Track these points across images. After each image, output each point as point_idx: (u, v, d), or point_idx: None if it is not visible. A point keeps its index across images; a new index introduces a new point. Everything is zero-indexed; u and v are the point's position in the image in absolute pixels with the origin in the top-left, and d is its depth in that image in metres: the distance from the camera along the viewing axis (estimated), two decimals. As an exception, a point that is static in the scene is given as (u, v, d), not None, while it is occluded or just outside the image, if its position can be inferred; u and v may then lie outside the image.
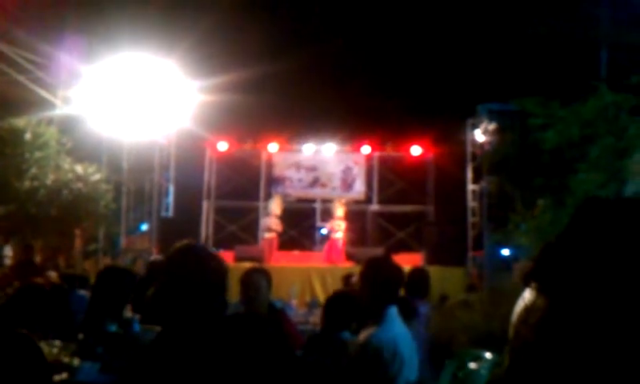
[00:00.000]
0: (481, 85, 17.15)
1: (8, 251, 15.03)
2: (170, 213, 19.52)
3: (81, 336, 3.60)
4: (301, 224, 20.22)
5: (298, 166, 20.38)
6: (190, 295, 2.41)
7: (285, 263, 16.34)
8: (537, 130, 12.20)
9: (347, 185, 20.36)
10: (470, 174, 18.64)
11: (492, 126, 17.18)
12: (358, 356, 3.27)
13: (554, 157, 12.06)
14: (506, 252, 16.50)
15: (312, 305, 10.41)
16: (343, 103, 18.49)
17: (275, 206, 17.57)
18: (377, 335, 3.20)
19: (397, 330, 3.26)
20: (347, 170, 20.39)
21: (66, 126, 15.75)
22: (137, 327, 3.49)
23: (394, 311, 3.29)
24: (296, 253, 18.45)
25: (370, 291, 3.32)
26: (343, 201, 18.21)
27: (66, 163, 15.37)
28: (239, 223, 20.34)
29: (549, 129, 11.89)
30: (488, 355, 5.29)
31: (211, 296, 2.44)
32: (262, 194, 19.92)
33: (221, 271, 2.51)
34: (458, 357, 5.29)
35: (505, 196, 15.19)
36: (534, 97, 12.19)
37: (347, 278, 8.44)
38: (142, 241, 18.90)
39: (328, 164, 20.38)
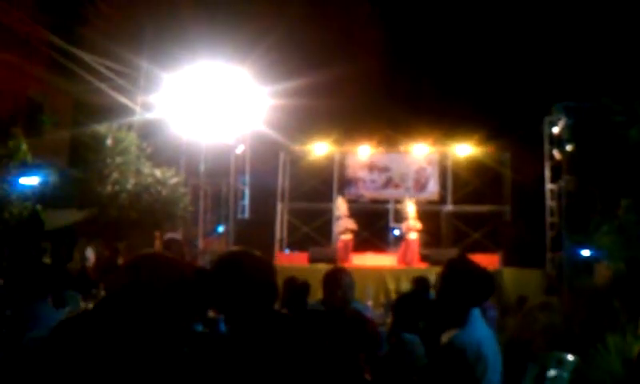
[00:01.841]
0: (558, 82, 16.76)
1: (90, 253, 15.53)
2: (246, 215, 19.82)
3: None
4: (374, 225, 20.17)
5: (370, 167, 20.33)
6: (240, 298, 2.48)
7: (359, 264, 16.32)
8: (619, 128, 11.81)
9: (421, 185, 20.17)
10: (547, 173, 18.17)
11: (570, 124, 16.73)
12: (442, 358, 3.25)
13: (637, 155, 11.66)
14: (586, 253, 16.03)
15: (388, 306, 10.37)
16: (416, 104, 18.40)
17: (343, 207, 17.55)
18: (460, 337, 3.17)
19: (480, 332, 3.22)
20: (420, 170, 20.20)
21: (146, 132, 16.23)
22: (222, 327, 3.58)
23: (476, 313, 3.25)
24: (369, 254, 18.40)
25: (453, 293, 3.29)
26: (415, 200, 18.03)
27: (146, 168, 15.82)
28: (313, 225, 20.46)
29: (632, 126, 11.49)
30: (569, 358, 5.17)
31: (262, 297, 2.51)
32: (334, 195, 19.96)
33: (267, 273, 2.57)
34: (539, 360, 5.20)
35: (585, 195, 14.78)
36: (615, 94, 11.82)
37: (417, 280, 8.34)
38: (219, 242, 19.27)
39: (401, 164, 20.24)
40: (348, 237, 17.02)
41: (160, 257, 2.39)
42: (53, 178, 14.17)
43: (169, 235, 5.56)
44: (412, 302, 5.03)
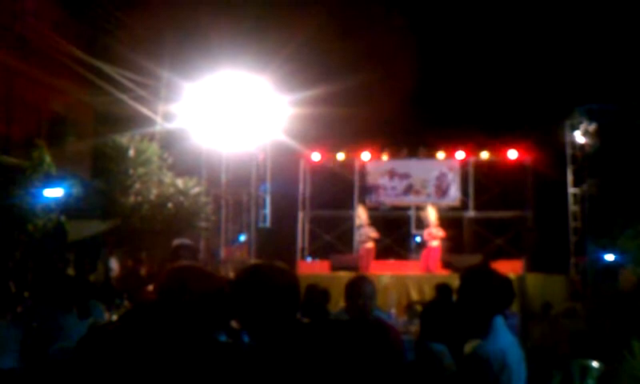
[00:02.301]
0: (578, 85, 16.63)
1: (113, 264, 15.64)
2: (267, 223, 19.88)
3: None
4: (395, 232, 20.13)
5: (391, 174, 20.31)
6: (264, 310, 2.49)
7: (380, 271, 16.27)
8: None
9: (442, 191, 20.09)
10: (570, 177, 18.02)
11: (593, 127, 16.58)
12: (466, 368, 3.23)
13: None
14: (610, 257, 15.85)
15: (411, 314, 10.31)
16: (437, 110, 18.36)
17: (363, 216, 17.50)
18: (484, 346, 3.15)
19: (505, 340, 3.19)
20: (441, 177, 20.12)
21: (167, 142, 16.34)
22: (246, 337, 3.58)
23: (500, 321, 3.23)
24: (391, 261, 18.36)
25: (473, 302, 3.26)
26: (436, 206, 17.94)
27: (168, 178, 15.92)
28: (334, 232, 20.47)
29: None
30: (594, 364, 5.13)
31: (286, 308, 2.52)
32: (355, 203, 19.95)
33: (292, 285, 2.58)
34: (563, 366, 5.16)
35: (608, 199, 14.64)
36: (638, 96, 11.71)
37: (439, 287, 8.27)
38: (240, 251, 19.33)
39: (421, 171, 20.19)
40: (370, 245, 16.98)
41: (199, 268, 2.44)
42: (76, 189, 14.30)
43: (178, 241, 5.31)
44: (438, 311, 5.02)
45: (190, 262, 2.60)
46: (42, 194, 13.69)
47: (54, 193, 13.82)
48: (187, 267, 2.44)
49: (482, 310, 3.22)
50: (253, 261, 16.53)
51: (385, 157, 20.19)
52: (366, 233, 17.07)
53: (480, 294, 3.25)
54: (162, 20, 16.18)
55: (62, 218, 13.86)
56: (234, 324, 4.14)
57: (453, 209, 19.80)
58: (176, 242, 5.38)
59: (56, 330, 4.90)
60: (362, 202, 19.29)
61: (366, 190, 20.24)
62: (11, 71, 14.86)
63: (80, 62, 15.17)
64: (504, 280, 3.32)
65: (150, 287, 9.58)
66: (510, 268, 14.19)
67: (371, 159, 20.30)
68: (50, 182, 13.77)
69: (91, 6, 16.21)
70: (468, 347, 3.29)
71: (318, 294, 6.90)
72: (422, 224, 18.02)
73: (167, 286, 2.38)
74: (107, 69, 15.17)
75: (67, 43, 15.29)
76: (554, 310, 10.47)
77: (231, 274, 15.99)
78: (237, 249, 19.44)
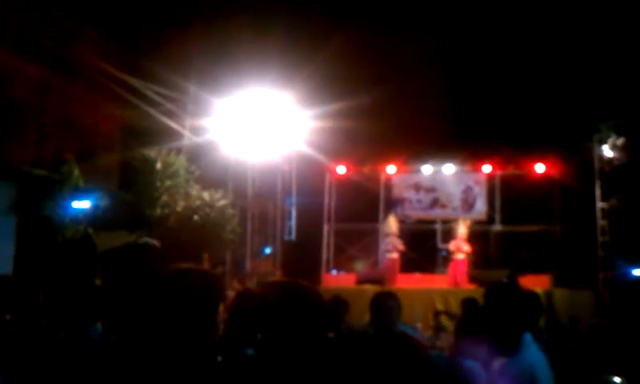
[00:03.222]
0: (606, 98, 16.48)
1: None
2: (293, 236, 19.92)
3: (219, 359, 3.76)
4: (421, 246, 20.00)
5: (417, 187, 20.25)
6: (289, 327, 2.51)
7: (406, 285, 16.20)
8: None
9: (468, 205, 19.97)
10: (598, 191, 17.84)
11: (621, 141, 16.41)
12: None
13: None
14: (638, 272, 15.64)
15: (437, 328, 10.24)
16: (462, 122, 18.29)
17: (393, 226, 17.46)
18: (514, 363, 3.13)
19: (534, 356, 3.18)
20: (468, 190, 20.01)
21: (194, 155, 16.48)
22: (249, 351, 3.59)
23: (529, 338, 3.21)
24: (417, 275, 18.26)
25: (502, 318, 3.25)
26: (468, 222, 17.83)
27: (194, 190, 16.05)
28: (359, 245, 20.43)
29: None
30: (617, 380, 5.07)
31: (312, 325, 2.53)
32: (381, 216, 19.90)
33: (315, 302, 2.59)
34: (591, 382, 5.10)
35: (636, 213, 14.45)
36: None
37: (466, 302, 8.19)
38: (266, 264, 19.39)
39: (447, 184, 20.10)
40: (395, 256, 16.93)
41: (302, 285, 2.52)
42: (104, 201, 14.50)
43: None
44: (470, 327, 5.00)
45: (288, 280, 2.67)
46: (70, 207, 13.90)
47: (82, 205, 14.02)
48: (288, 283, 2.54)
49: (510, 326, 3.21)
50: (276, 277, 16.58)
51: (410, 170, 20.14)
52: (391, 242, 17.03)
53: (506, 310, 3.24)
54: (190, 35, 16.37)
55: (90, 230, 14.05)
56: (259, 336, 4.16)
57: (479, 223, 19.66)
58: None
59: (84, 341, 4.96)
60: (390, 213, 19.21)
61: (392, 203, 20.17)
62: (42, 85, 15.12)
63: (110, 77, 15.39)
64: (530, 295, 3.30)
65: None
66: (537, 283, 14.03)
67: (397, 172, 20.26)
68: (78, 194, 13.98)
69: (122, 21, 16.46)
70: (497, 364, 3.27)
71: (337, 304, 6.96)
72: (448, 238, 17.93)
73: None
74: (136, 83, 15.37)
75: (98, 58, 15.53)
76: (581, 325, 10.35)
77: (255, 287, 16.03)
78: (262, 261, 19.50)
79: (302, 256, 19.08)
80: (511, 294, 3.30)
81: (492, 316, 3.31)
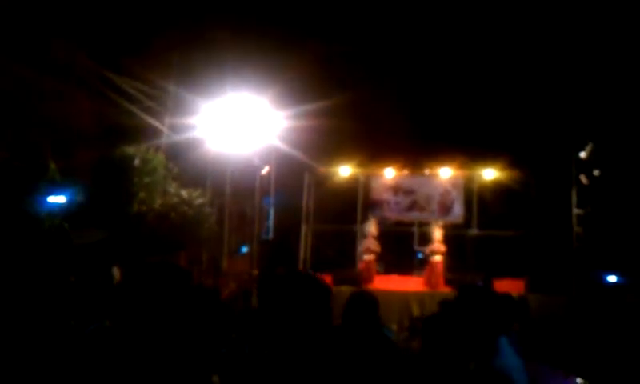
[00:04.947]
0: (585, 107, 16.69)
1: (116, 272, 15.65)
2: (271, 236, 19.89)
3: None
4: (398, 248, 20.09)
5: (395, 190, 20.31)
6: (294, 318, 2.50)
7: (382, 287, 16.26)
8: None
9: (446, 208, 20.08)
10: (574, 198, 18.04)
11: (598, 148, 16.61)
12: (484, 380, 3.22)
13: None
14: (612, 279, 15.84)
15: (413, 331, 10.31)
16: (442, 127, 18.40)
17: (372, 228, 17.54)
18: (491, 365, 3.15)
19: (510, 360, 3.20)
20: (445, 194, 20.12)
21: (173, 153, 16.40)
22: (247, 349, 3.61)
23: (505, 342, 3.23)
24: (394, 277, 18.33)
25: (475, 320, 3.26)
26: (441, 223, 17.96)
27: (172, 188, 15.97)
28: (336, 247, 20.45)
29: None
30: (579, 381, 5.16)
31: (315, 318, 2.52)
32: (359, 217, 19.95)
33: (322, 295, 2.59)
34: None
35: (611, 221, 14.63)
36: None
37: (443, 303, 8.24)
38: (243, 262, 19.35)
39: (426, 187, 20.20)
40: (370, 257, 17.01)
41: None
42: (80, 196, 14.37)
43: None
44: (440, 326, 5.05)
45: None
46: (46, 201, 13.76)
47: (58, 200, 13.89)
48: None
49: (484, 329, 3.23)
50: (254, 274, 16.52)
51: (390, 172, 20.21)
52: (367, 244, 17.12)
53: (479, 313, 3.26)
54: (172, 33, 16.30)
55: (66, 225, 13.92)
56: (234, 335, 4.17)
57: (456, 226, 19.79)
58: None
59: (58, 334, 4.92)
60: (367, 217, 19.27)
61: (370, 205, 20.24)
62: (20, 80, 14.97)
63: (90, 72, 15.27)
64: (503, 298, 3.33)
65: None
66: (512, 287, 14.16)
67: (375, 174, 20.32)
68: (54, 188, 13.84)
69: (103, 18, 16.35)
70: (473, 365, 3.29)
71: None
72: (425, 240, 18.03)
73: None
74: (116, 80, 15.27)
75: (78, 54, 15.40)
76: (554, 330, 10.45)
77: (232, 285, 16.02)
78: (239, 260, 19.45)
79: (279, 256, 19.07)
80: (484, 297, 3.32)
81: (466, 317, 3.33)
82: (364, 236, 17.79)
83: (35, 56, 15.16)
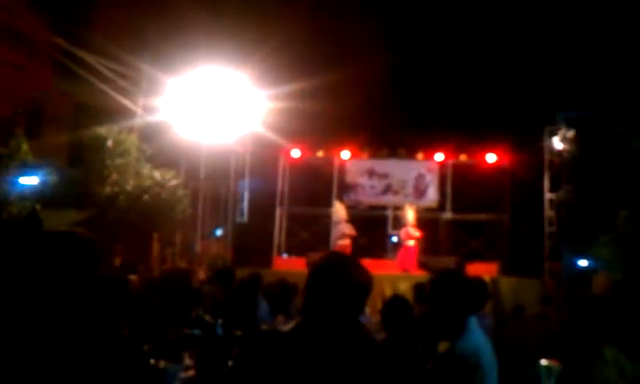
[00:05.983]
0: (558, 92, 16.81)
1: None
2: (245, 218, 19.81)
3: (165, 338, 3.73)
4: (372, 231, 20.14)
5: (370, 174, 20.33)
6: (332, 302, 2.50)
7: (357, 270, 16.22)
8: (620, 139, 11.85)
9: (420, 192, 20.16)
10: (547, 183, 18.21)
11: (571, 134, 16.76)
12: (441, 367, 3.24)
13: (637, 166, 11.69)
14: (583, 263, 16.04)
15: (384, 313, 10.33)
16: (417, 111, 18.44)
17: (342, 212, 17.45)
18: (459, 346, 3.17)
19: (478, 340, 3.23)
20: (420, 178, 20.19)
21: (146, 134, 16.24)
22: (219, 331, 3.59)
23: (473, 322, 3.26)
24: (367, 260, 18.30)
25: (448, 303, 3.28)
26: (414, 207, 17.99)
27: (146, 169, 15.83)
28: (311, 230, 20.45)
29: (632, 137, 11.54)
30: (553, 365, 5.22)
31: (350, 304, 2.53)
32: (333, 201, 19.94)
33: (361, 280, 2.59)
34: (532, 367, 5.24)
35: (584, 205, 14.79)
36: (616, 105, 11.87)
37: (417, 287, 8.28)
38: (217, 245, 19.28)
39: (400, 171, 20.24)
40: (346, 242, 16.95)
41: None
42: (52, 178, 14.19)
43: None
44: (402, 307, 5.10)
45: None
46: (17, 182, 13.56)
47: (29, 181, 13.70)
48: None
49: (455, 312, 3.26)
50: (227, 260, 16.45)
51: (364, 156, 20.22)
52: (341, 229, 17.03)
53: (452, 298, 3.28)
54: (144, 12, 16.07)
55: (37, 207, 13.75)
56: (207, 318, 4.14)
57: (430, 210, 19.89)
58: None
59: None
60: (340, 199, 19.23)
61: (345, 189, 20.22)
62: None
63: (62, 51, 15.03)
64: (478, 281, 3.35)
65: (134, 277, 9.53)
66: (484, 270, 14.25)
67: (351, 157, 20.30)
68: (26, 170, 13.65)
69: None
70: (443, 346, 3.32)
71: (285, 287, 7.10)
72: (399, 224, 18.06)
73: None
74: (89, 59, 15.04)
75: (49, 32, 15.15)
76: (526, 313, 10.57)
77: (203, 269, 15.91)
78: (213, 243, 19.38)
79: (253, 239, 19.02)
80: (457, 281, 3.35)
81: (438, 301, 3.35)
82: (337, 222, 17.69)
83: (5, 33, 14.89)
